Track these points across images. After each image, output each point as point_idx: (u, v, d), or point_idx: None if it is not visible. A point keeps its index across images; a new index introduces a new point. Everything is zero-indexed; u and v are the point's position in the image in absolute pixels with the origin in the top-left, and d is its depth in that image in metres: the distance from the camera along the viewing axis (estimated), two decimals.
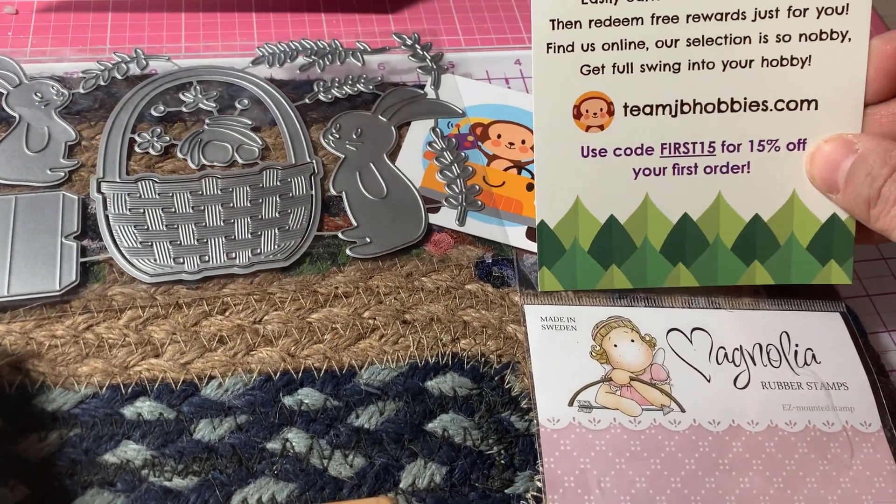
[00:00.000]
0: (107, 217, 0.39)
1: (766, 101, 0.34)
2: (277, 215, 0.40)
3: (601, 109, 0.35)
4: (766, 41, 0.34)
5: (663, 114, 0.34)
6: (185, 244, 0.39)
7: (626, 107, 0.35)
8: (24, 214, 0.39)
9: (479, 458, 0.34)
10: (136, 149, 0.43)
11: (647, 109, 0.35)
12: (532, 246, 0.41)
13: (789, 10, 0.33)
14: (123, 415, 0.34)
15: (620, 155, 0.35)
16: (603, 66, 0.34)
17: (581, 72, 0.34)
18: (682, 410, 0.35)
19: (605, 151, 0.35)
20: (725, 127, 0.35)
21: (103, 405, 0.34)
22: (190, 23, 0.51)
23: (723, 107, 0.34)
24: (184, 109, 0.45)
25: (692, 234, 0.35)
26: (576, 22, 0.34)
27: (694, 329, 0.37)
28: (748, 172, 0.35)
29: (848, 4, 0.33)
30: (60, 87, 0.45)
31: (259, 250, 0.39)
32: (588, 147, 0.35)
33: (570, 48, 0.34)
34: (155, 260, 0.38)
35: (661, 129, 0.35)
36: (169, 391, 0.35)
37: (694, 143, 0.35)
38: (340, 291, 0.39)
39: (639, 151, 0.35)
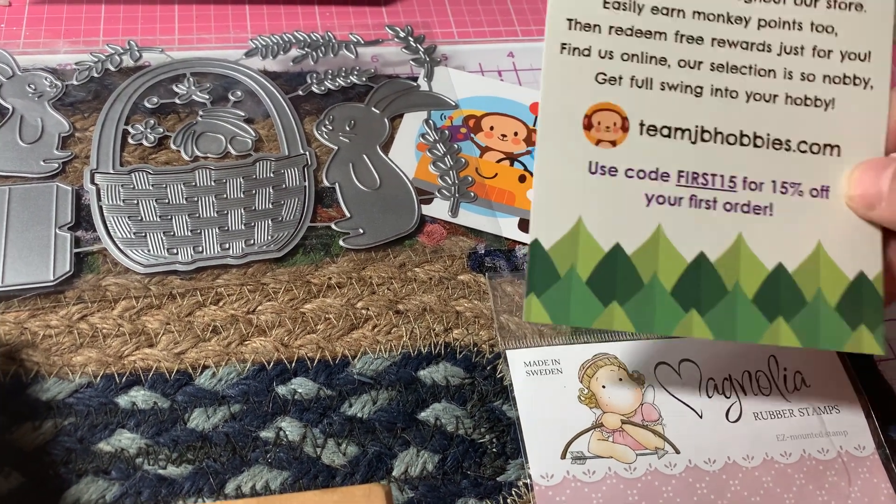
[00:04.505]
0: (101, 208, 0.39)
1: (789, 141, 0.32)
2: (271, 206, 0.40)
3: (614, 124, 0.32)
4: (790, 77, 0.32)
5: (682, 138, 0.32)
6: (178, 235, 0.39)
7: (642, 124, 0.32)
8: (17, 205, 0.39)
9: (471, 446, 0.34)
10: (130, 140, 0.43)
11: (665, 131, 0.32)
12: (524, 237, 0.42)
13: (814, 49, 0.32)
14: (118, 404, 0.34)
15: (633, 177, 0.32)
16: (620, 78, 0.32)
17: (596, 79, 0.32)
18: (677, 452, 0.35)
19: (616, 171, 0.32)
20: (747, 162, 0.32)
21: (98, 394, 0.34)
22: (183, 15, 0.51)
23: (745, 140, 0.32)
24: (177, 101, 0.45)
25: (709, 277, 0.32)
26: (595, 25, 0.32)
27: (682, 361, 0.37)
28: (771, 215, 0.32)
29: (870, 52, 0.32)
30: (54, 78, 0.45)
31: (252, 241, 0.39)
32: (597, 163, 0.32)
33: (586, 52, 0.32)
34: (149, 251, 0.38)
35: (678, 154, 0.32)
36: (163, 380, 0.35)
37: (714, 175, 0.32)
38: (334, 282, 0.39)
39: (653, 175, 0.32)
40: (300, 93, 0.46)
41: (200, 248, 0.39)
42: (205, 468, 0.33)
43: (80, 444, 0.33)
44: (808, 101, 0.32)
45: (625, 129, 0.32)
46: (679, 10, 0.32)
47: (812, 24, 0.32)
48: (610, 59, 0.32)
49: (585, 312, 0.31)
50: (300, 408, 0.35)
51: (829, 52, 0.32)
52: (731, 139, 0.32)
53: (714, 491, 0.34)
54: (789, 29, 0.32)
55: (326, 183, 0.42)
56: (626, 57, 0.32)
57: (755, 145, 0.32)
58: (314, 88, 0.46)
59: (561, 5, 0.32)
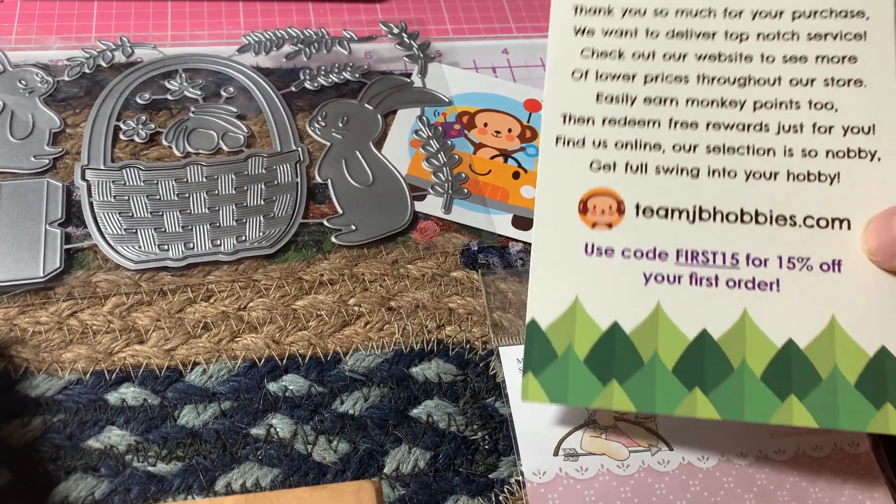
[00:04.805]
0: (91, 204, 0.39)
1: (793, 216, 0.32)
2: (262, 203, 0.40)
3: (610, 207, 0.32)
4: (791, 154, 0.32)
5: (679, 218, 0.32)
6: (169, 231, 0.39)
7: (637, 207, 0.32)
8: (7, 201, 0.39)
9: (463, 443, 0.34)
10: (121, 136, 0.42)
11: (662, 212, 0.32)
12: (518, 234, 0.41)
13: (814, 126, 0.32)
14: (107, 401, 0.34)
15: (629, 257, 0.32)
16: (615, 164, 0.32)
17: (591, 167, 0.32)
18: (670, 449, 0.34)
19: (612, 251, 0.32)
20: (750, 239, 0.32)
21: (87, 391, 0.34)
22: (176, 11, 0.51)
23: (746, 217, 0.32)
24: (169, 97, 0.45)
25: (713, 355, 0.31)
26: (588, 118, 0.33)
27: None
28: (778, 291, 0.31)
29: (874, 125, 0.32)
30: (45, 74, 0.44)
31: (244, 237, 0.39)
32: (593, 244, 0.32)
33: (580, 143, 0.33)
34: (139, 247, 0.38)
35: (676, 234, 0.32)
36: (153, 377, 0.35)
37: (714, 253, 0.31)
38: (325, 278, 0.39)
39: (650, 255, 0.32)
40: (293, 89, 0.46)
41: (191, 245, 0.38)
42: (195, 465, 0.32)
43: (69, 441, 0.33)
44: (812, 177, 0.32)
45: (620, 211, 0.32)
46: (672, 99, 0.33)
47: (810, 101, 0.32)
48: (604, 147, 0.33)
49: (583, 391, 0.31)
50: (291, 405, 0.34)
51: (831, 127, 0.32)
52: (732, 217, 0.32)
53: (707, 488, 0.33)
54: (787, 108, 0.32)
55: (319, 179, 0.42)
56: (619, 145, 0.33)
57: (757, 222, 0.32)
58: (307, 85, 0.46)
59: (556, 103, 0.33)
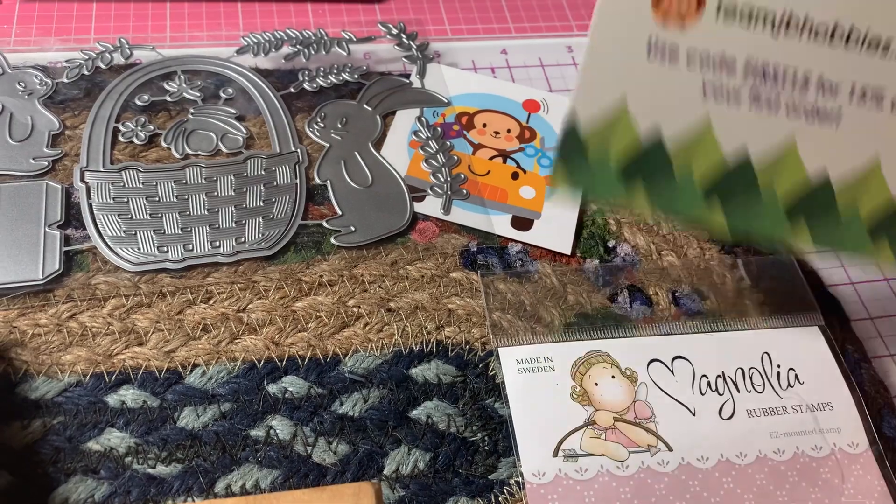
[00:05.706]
0: (90, 206, 0.39)
1: (890, 42, 0.27)
2: (262, 204, 0.40)
3: (689, 1, 0.28)
4: None
5: (764, 27, 0.28)
6: (169, 233, 0.39)
7: (720, 4, 0.28)
8: (7, 203, 0.39)
9: (462, 444, 0.34)
10: (121, 138, 0.42)
11: (746, 12, 0.28)
12: (517, 234, 0.41)
13: None
14: (107, 403, 0.34)
15: (694, 62, 0.29)
16: None
17: None
18: (670, 449, 0.34)
19: (677, 53, 0.29)
20: (828, 61, 0.28)
21: (87, 393, 0.34)
22: (175, 12, 0.51)
23: (838, 33, 0.27)
24: (168, 99, 0.44)
25: (743, 177, 0.30)
26: None
27: (675, 358, 0.37)
28: (836, 128, 0.29)
29: None
30: (44, 76, 0.44)
31: (243, 239, 0.39)
32: (658, 43, 0.28)
33: None
34: (139, 249, 0.38)
35: (753, 43, 0.28)
36: (153, 379, 0.35)
37: (786, 71, 0.28)
38: (325, 280, 0.39)
39: (718, 61, 0.29)
40: (292, 90, 0.46)
41: (191, 246, 0.38)
42: (194, 467, 0.32)
43: (69, 444, 0.33)
44: None
45: (700, 4, 0.28)
46: None
47: None
48: None
49: (608, 188, 0.31)
50: (291, 406, 0.34)
51: None
52: (822, 31, 0.27)
53: (707, 489, 0.33)
54: None
55: (318, 180, 0.42)
56: None
57: (847, 42, 0.28)
58: (306, 86, 0.46)
59: None
